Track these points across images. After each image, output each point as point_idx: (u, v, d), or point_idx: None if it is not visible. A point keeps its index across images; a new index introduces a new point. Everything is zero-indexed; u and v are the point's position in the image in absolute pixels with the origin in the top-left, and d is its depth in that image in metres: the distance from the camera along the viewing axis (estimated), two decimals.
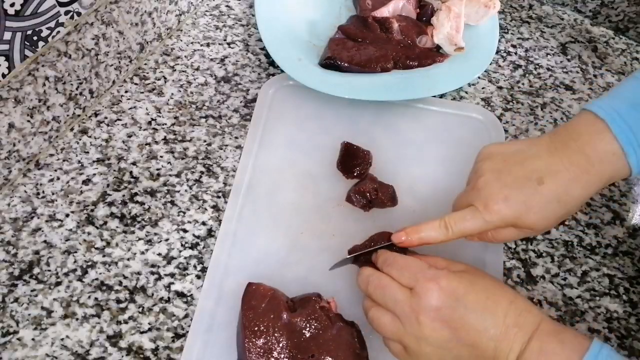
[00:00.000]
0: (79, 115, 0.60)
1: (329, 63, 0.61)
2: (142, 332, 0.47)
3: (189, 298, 0.49)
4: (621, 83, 0.45)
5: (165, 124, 0.60)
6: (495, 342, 0.37)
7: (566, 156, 0.41)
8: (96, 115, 0.61)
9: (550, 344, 0.37)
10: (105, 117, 0.61)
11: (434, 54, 0.64)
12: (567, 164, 0.41)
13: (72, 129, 0.59)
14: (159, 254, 0.51)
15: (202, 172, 0.57)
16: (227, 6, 0.73)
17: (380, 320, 0.41)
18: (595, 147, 0.41)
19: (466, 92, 0.65)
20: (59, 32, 0.54)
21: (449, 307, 0.38)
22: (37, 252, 0.51)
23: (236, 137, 0.60)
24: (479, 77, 0.67)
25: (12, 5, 0.48)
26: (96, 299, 0.48)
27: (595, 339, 0.36)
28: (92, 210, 0.54)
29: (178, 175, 0.57)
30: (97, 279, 0.50)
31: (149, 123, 0.60)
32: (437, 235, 0.43)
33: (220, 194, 0.56)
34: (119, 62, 0.62)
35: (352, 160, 0.56)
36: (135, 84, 0.64)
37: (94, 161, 0.57)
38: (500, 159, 0.43)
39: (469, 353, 0.38)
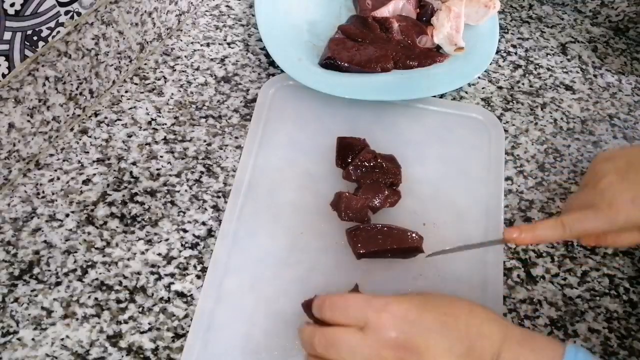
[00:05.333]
0: (79, 115, 0.60)
1: (329, 63, 0.61)
2: (142, 332, 0.47)
3: (189, 298, 0.49)
4: None
5: (165, 124, 0.60)
6: (465, 358, 0.36)
7: None
8: (96, 115, 0.61)
9: (522, 353, 0.35)
10: (105, 117, 0.61)
11: (434, 54, 0.64)
12: None
13: (72, 129, 0.59)
14: (159, 254, 0.51)
15: (202, 172, 0.57)
16: (227, 6, 0.73)
17: None
18: None
19: (466, 92, 0.65)
20: (59, 32, 0.54)
21: (406, 333, 0.36)
22: (37, 252, 0.51)
23: (236, 137, 0.60)
24: (479, 77, 0.67)
25: (12, 5, 0.48)
26: (96, 299, 0.48)
27: (569, 344, 0.35)
28: (92, 210, 0.54)
29: (178, 175, 0.57)
30: (97, 279, 0.50)
31: (149, 123, 0.60)
32: (553, 234, 0.42)
33: (220, 194, 0.56)
34: (119, 62, 0.62)
35: (348, 150, 0.56)
36: (135, 84, 0.64)
37: (94, 161, 0.57)
38: (623, 161, 0.43)
39: None
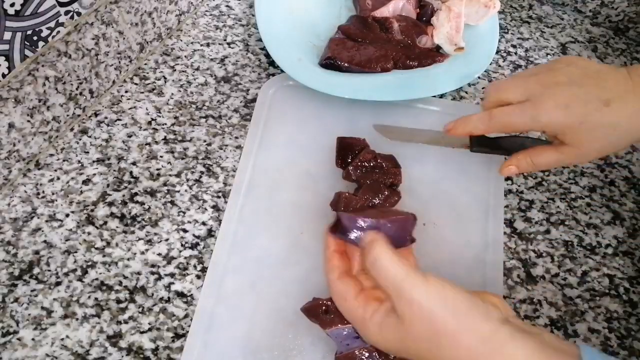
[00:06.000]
0: (79, 115, 0.60)
1: (329, 63, 0.61)
2: (142, 332, 0.47)
3: (189, 298, 0.49)
4: None
5: (165, 124, 0.60)
6: None
7: None
8: (96, 115, 0.61)
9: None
10: (105, 117, 0.61)
11: (434, 54, 0.64)
12: (639, 94, 0.40)
13: (72, 129, 0.59)
14: (159, 254, 0.51)
15: (202, 172, 0.57)
16: (227, 6, 0.73)
17: None
18: None
19: (466, 92, 0.65)
20: (59, 32, 0.54)
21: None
22: (37, 252, 0.51)
23: (236, 137, 0.60)
24: (479, 77, 0.67)
25: (12, 5, 0.48)
26: (96, 299, 0.48)
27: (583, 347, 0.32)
28: (92, 210, 0.54)
29: (178, 175, 0.57)
30: (97, 279, 0.50)
31: (149, 123, 0.60)
32: (481, 126, 0.45)
33: (220, 194, 0.56)
34: (119, 62, 0.62)
35: (348, 150, 0.56)
36: (135, 84, 0.64)
37: (94, 161, 0.57)
38: (580, 71, 0.43)
39: None
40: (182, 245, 0.52)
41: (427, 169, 0.58)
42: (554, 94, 0.42)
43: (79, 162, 0.57)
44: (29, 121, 0.53)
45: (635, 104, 0.40)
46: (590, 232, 0.55)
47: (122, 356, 0.46)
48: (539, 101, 0.42)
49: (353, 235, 0.41)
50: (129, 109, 0.61)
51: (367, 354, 0.43)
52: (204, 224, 0.53)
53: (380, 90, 0.60)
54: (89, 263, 0.50)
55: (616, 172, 0.60)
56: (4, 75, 0.50)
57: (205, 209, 0.54)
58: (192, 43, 0.68)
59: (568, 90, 0.42)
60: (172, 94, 0.63)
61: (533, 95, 0.43)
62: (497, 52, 0.69)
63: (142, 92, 0.63)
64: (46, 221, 0.53)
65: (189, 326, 0.47)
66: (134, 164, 0.57)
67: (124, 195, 0.55)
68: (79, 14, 0.55)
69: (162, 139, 0.59)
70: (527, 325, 0.35)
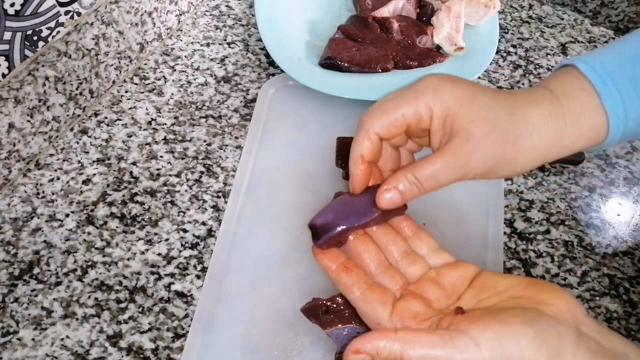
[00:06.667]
0: (79, 115, 0.60)
1: (329, 63, 0.61)
2: (142, 332, 0.47)
3: (189, 298, 0.49)
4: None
5: (165, 124, 0.60)
6: None
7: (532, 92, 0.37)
8: (96, 115, 0.61)
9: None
10: (105, 117, 0.61)
11: (434, 54, 0.64)
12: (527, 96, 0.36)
13: (72, 129, 0.59)
14: (159, 254, 0.51)
15: (202, 172, 0.57)
16: (227, 6, 0.73)
17: None
18: (562, 82, 0.37)
19: None
20: (59, 32, 0.54)
21: None
22: (37, 252, 0.51)
23: (236, 137, 0.60)
24: (479, 77, 0.67)
25: (12, 5, 0.48)
26: (96, 299, 0.49)
27: None
28: (92, 210, 0.54)
29: (178, 175, 0.57)
30: (97, 279, 0.50)
31: (149, 123, 0.60)
32: (364, 143, 0.39)
33: (220, 194, 0.56)
34: (119, 62, 0.62)
35: (347, 150, 0.56)
36: (135, 84, 0.64)
37: (94, 161, 0.57)
38: (485, 108, 0.35)
39: None
40: (182, 245, 0.52)
41: None
42: (438, 76, 0.36)
43: (79, 162, 0.57)
44: (29, 121, 0.53)
45: (524, 103, 0.36)
46: (590, 232, 0.55)
47: (122, 356, 0.46)
48: (422, 83, 0.36)
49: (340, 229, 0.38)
50: (129, 109, 0.61)
51: None
52: (204, 224, 0.53)
53: (380, 90, 0.60)
54: (89, 263, 0.50)
55: (616, 172, 0.60)
56: (4, 75, 0.51)
57: (205, 209, 0.54)
58: (192, 43, 0.68)
59: (451, 77, 0.37)
60: (172, 94, 0.63)
61: (414, 84, 0.37)
62: (497, 52, 0.69)
63: (142, 92, 0.63)
64: (46, 221, 0.53)
65: (189, 326, 0.47)
66: (134, 164, 0.57)
67: (124, 195, 0.55)
68: (79, 14, 0.55)
69: (162, 139, 0.59)
70: (608, 333, 0.33)
